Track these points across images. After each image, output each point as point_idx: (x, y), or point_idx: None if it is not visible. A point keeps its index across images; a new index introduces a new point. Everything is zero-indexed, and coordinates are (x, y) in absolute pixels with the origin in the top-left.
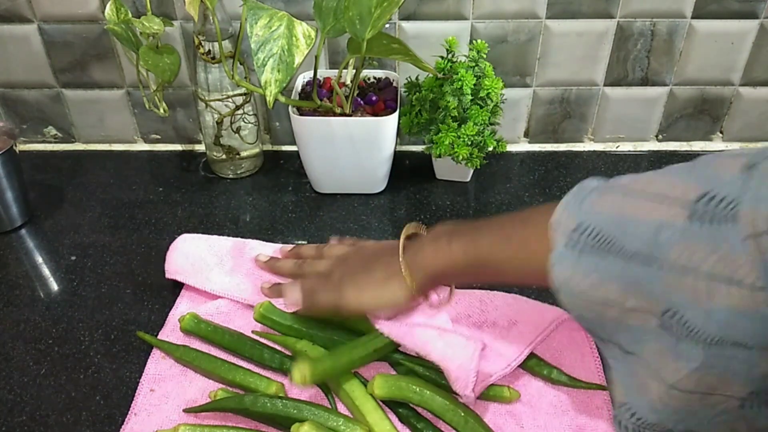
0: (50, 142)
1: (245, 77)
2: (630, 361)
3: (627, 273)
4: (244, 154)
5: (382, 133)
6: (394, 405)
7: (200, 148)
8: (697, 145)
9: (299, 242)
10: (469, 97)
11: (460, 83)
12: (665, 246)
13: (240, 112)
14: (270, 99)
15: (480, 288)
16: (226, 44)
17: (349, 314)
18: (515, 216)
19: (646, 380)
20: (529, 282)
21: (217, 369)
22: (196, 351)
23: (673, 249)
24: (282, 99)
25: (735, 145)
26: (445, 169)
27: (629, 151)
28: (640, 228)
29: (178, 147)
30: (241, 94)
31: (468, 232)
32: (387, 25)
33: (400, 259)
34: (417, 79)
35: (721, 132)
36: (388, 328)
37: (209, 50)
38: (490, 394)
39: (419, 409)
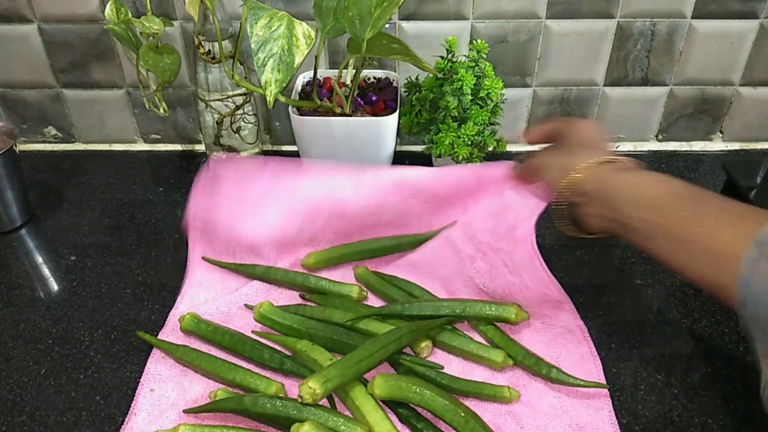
0: (50, 142)
1: (245, 77)
2: None
3: None
4: (244, 153)
5: (382, 133)
6: (394, 405)
7: (200, 148)
8: (697, 145)
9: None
10: (469, 97)
11: (460, 83)
12: None
13: (240, 112)
14: (270, 99)
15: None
16: (226, 44)
17: (531, 168)
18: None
19: None
20: (707, 249)
21: (217, 369)
22: (196, 351)
23: None
24: (282, 99)
25: (735, 145)
26: None
27: (629, 150)
28: None
29: (178, 147)
30: (241, 94)
31: (676, 181)
32: (387, 25)
33: (588, 159)
34: (417, 79)
35: (721, 132)
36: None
37: (209, 50)
38: (489, 393)
39: (419, 409)
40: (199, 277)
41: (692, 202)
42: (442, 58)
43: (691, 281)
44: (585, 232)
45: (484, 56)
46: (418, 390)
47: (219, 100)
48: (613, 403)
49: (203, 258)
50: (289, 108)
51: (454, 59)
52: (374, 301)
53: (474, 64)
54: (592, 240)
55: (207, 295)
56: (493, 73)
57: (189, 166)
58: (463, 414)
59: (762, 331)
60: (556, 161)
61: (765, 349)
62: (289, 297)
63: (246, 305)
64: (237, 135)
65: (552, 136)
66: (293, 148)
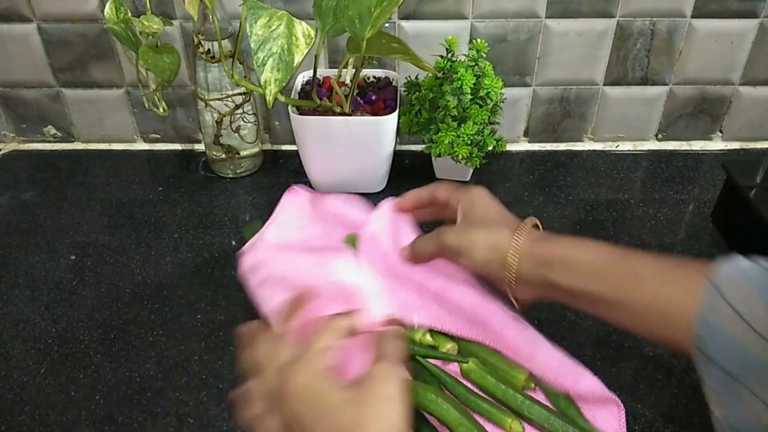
0: (50, 142)
1: (245, 76)
2: (733, 387)
3: None
4: (243, 153)
5: (382, 132)
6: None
7: (200, 147)
8: (696, 145)
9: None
10: (469, 97)
11: (459, 82)
12: None
13: (239, 111)
14: (270, 98)
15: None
16: (226, 43)
17: (445, 249)
18: (672, 256)
19: (756, 408)
20: (664, 299)
21: None
22: None
23: None
24: (282, 98)
25: (734, 145)
26: (444, 168)
27: (629, 150)
28: None
29: (177, 146)
30: (240, 94)
31: (610, 244)
32: (387, 25)
33: (522, 223)
34: (417, 78)
35: (721, 131)
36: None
37: (209, 49)
38: (495, 420)
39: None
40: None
41: (628, 266)
42: (441, 57)
43: (641, 337)
44: (519, 302)
45: (484, 55)
46: (432, 399)
47: (218, 99)
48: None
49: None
50: (289, 107)
51: (454, 58)
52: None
53: (474, 63)
54: (525, 308)
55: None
56: (492, 72)
57: (188, 165)
58: (476, 430)
59: (718, 375)
60: (476, 241)
61: (718, 392)
62: None
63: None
64: (236, 134)
65: (432, 203)
66: (293, 147)
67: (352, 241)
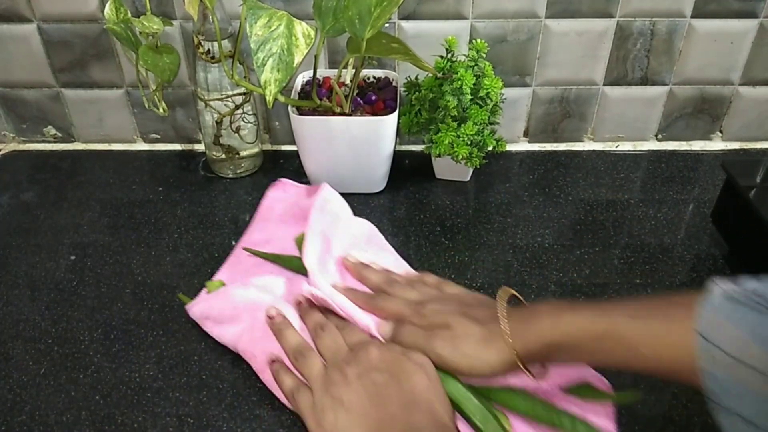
0: (50, 142)
1: (245, 77)
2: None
3: None
4: (243, 153)
5: (382, 132)
6: None
7: (200, 147)
8: (696, 145)
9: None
10: (469, 97)
11: (459, 83)
12: None
13: (239, 111)
14: (270, 99)
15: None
16: (226, 44)
17: (435, 363)
18: (654, 296)
19: None
20: (664, 359)
21: None
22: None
23: None
24: (281, 98)
25: (734, 145)
26: (444, 168)
27: (629, 150)
28: None
29: (177, 146)
30: (240, 94)
31: (595, 305)
32: (386, 25)
33: (502, 322)
34: (416, 78)
35: (721, 131)
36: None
37: (209, 50)
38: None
39: None
40: (241, 257)
41: (616, 334)
42: (441, 57)
43: None
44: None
45: (484, 56)
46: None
47: (218, 99)
48: (612, 403)
49: (244, 248)
50: (289, 107)
51: (454, 59)
52: None
53: (473, 63)
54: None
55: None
56: (492, 72)
57: (188, 165)
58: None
59: (740, 426)
60: (469, 355)
61: (717, 410)
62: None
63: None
64: (236, 135)
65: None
66: (293, 147)
67: (300, 241)
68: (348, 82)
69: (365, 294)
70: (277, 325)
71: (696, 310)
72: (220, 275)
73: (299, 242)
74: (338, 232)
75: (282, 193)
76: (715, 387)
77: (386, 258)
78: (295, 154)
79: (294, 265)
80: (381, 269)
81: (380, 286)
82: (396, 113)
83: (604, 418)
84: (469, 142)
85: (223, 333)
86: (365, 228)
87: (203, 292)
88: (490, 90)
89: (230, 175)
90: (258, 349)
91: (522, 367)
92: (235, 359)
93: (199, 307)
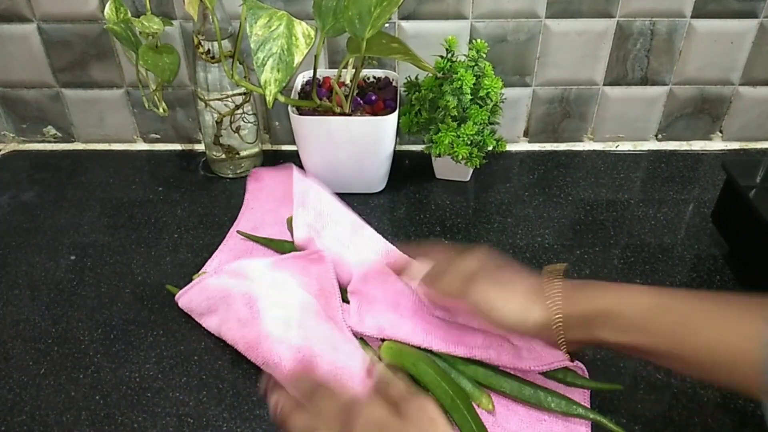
0: (50, 142)
1: (245, 77)
2: None
3: None
4: (243, 153)
5: (382, 132)
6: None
7: (200, 147)
8: (696, 145)
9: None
10: (469, 97)
11: (459, 83)
12: None
13: (239, 111)
14: (270, 99)
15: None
16: (226, 44)
17: (469, 309)
18: (717, 293)
19: None
20: (719, 353)
21: None
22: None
23: None
24: (281, 98)
25: (734, 145)
26: (444, 168)
27: (629, 150)
28: None
29: (177, 146)
30: (240, 94)
31: (625, 284)
32: (386, 25)
33: (548, 287)
34: (416, 78)
35: (721, 131)
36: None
37: (209, 50)
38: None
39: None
40: (231, 245)
41: (676, 313)
42: (441, 57)
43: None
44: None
45: (484, 56)
46: (414, 362)
47: (218, 99)
48: (613, 402)
49: (237, 231)
50: (289, 107)
51: (454, 59)
52: None
53: (473, 63)
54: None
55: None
56: (492, 72)
57: (188, 165)
58: (451, 393)
59: None
60: (509, 303)
61: None
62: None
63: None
64: (236, 134)
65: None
66: (293, 147)
67: (291, 223)
68: (348, 82)
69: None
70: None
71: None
72: (211, 265)
73: (290, 224)
74: (325, 229)
75: (258, 183)
76: None
77: (377, 244)
78: (295, 154)
79: (286, 249)
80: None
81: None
82: (396, 113)
83: (583, 403)
84: (469, 142)
85: (206, 323)
86: (348, 218)
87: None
88: (490, 90)
89: (230, 175)
90: (238, 335)
91: (557, 335)
92: (235, 359)
93: (183, 300)
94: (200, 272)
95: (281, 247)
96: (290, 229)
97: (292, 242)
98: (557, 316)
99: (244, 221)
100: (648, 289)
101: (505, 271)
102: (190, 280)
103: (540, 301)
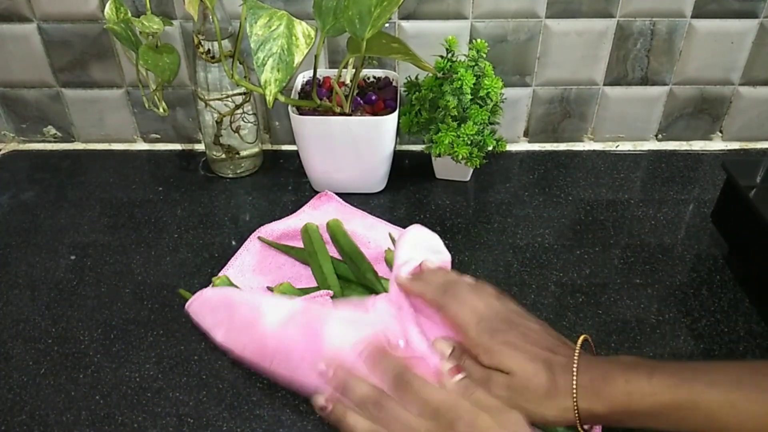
0: (50, 142)
1: (245, 76)
2: None
3: None
4: (243, 153)
5: (382, 132)
6: None
7: (200, 147)
8: (696, 145)
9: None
10: (469, 97)
11: (459, 83)
12: None
13: (239, 111)
14: (270, 98)
15: None
16: (226, 43)
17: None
18: (740, 362)
19: None
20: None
21: None
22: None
23: None
24: (282, 98)
25: (735, 145)
26: (444, 168)
27: (629, 150)
28: None
29: (177, 146)
30: (240, 94)
31: (673, 366)
32: (387, 25)
33: (574, 376)
34: (417, 78)
35: (721, 131)
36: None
37: (209, 49)
38: None
39: None
40: (251, 248)
41: (703, 403)
42: (441, 57)
43: None
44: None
45: (484, 55)
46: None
47: (218, 99)
48: None
49: (258, 237)
50: (289, 107)
51: (454, 59)
52: None
53: (474, 63)
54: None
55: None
56: (492, 72)
57: (188, 165)
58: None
59: None
60: (527, 389)
61: None
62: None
63: (268, 287)
64: (236, 134)
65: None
66: (293, 147)
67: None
68: (348, 81)
69: (435, 285)
70: (336, 414)
71: None
72: (225, 272)
73: (391, 260)
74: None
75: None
76: None
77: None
78: (295, 154)
79: (304, 257)
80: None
81: (445, 286)
82: (396, 113)
83: None
84: (469, 142)
85: (214, 335)
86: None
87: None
88: (490, 90)
89: (230, 175)
90: (246, 340)
91: (579, 428)
92: (235, 359)
93: (191, 311)
94: (219, 276)
95: (301, 255)
96: (388, 263)
97: (310, 251)
98: (574, 414)
99: (277, 223)
100: (668, 378)
101: (526, 366)
102: (192, 282)
103: (557, 400)
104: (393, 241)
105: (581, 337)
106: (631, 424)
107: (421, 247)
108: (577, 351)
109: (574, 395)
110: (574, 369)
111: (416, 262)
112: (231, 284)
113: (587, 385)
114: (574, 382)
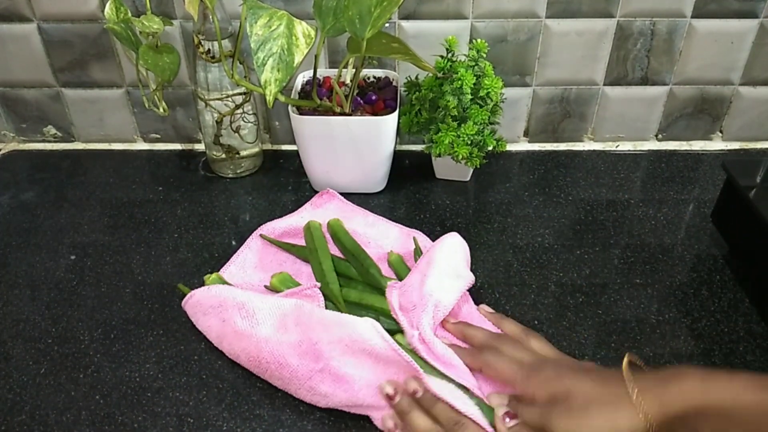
0: (50, 142)
1: (245, 76)
2: None
3: None
4: (243, 153)
5: (382, 132)
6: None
7: (200, 147)
8: (696, 145)
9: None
10: (469, 97)
11: (459, 82)
12: None
13: (240, 111)
14: (270, 98)
15: None
16: (226, 43)
17: None
18: None
19: None
20: None
21: None
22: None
23: None
24: (282, 98)
25: (735, 145)
26: (444, 168)
27: (629, 150)
28: None
29: (177, 146)
30: (240, 94)
31: (726, 373)
32: (387, 25)
33: (629, 384)
34: (417, 78)
35: (721, 131)
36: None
37: (209, 49)
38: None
39: None
40: (252, 246)
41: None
42: (441, 57)
43: None
44: None
45: (484, 55)
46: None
47: (218, 99)
48: None
49: (261, 235)
50: (289, 107)
51: (454, 58)
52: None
53: (474, 63)
54: None
55: (253, 263)
56: (492, 72)
57: (188, 165)
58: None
59: None
60: (588, 406)
61: None
62: None
63: (266, 286)
64: (236, 134)
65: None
66: (293, 147)
67: (395, 261)
68: (348, 81)
69: (471, 349)
70: (401, 407)
71: None
72: (228, 268)
73: (395, 262)
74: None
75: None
76: None
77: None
78: (295, 154)
79: (305, 254)
80: (482, 328)
81: (487, 342)
82: (396, 113)
83: None
84: (469, 142)
85: (208, 334)
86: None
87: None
88: (490, 90)
89: (230, 175)
90: (238, 349)
91: None
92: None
93: (186, 309)
94: (211, 275)
95: (302, 252)
96: (394, 267)
97: (311, 248)
98: (646, 421)
99: (279, 221)
100: (746, 380)
101: (577, 386)
102: (192, 282)
103: (622, 410)
104: (418, 248)
105: (627, 355)
106: (688, 427)
107: (446, 274)
108: (625, 364)
109: (640, 400)
110: (626, 377)
111: (446, 304)
112: (223, 282)
113: (651, 388)
114: (633, 387)
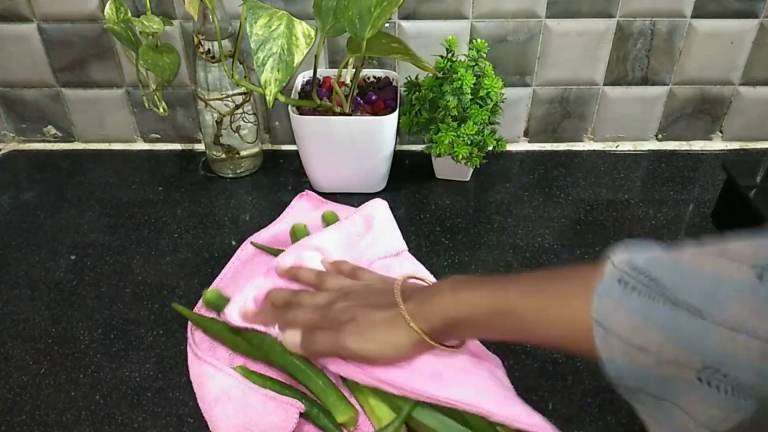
0: (50, 142)
1: (245, 76)
2: (663, 406)
3: (672, 322)
4: (243, 153)
5: (382, 132)
6: None
7: (200, 147)
8: (696, 145)
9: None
10: (469, 97)
11: (459, 82)
12: (723, 301)
13: (240, 111)
14: (270, 98)
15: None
16: (226, 43)
17: (350, 359)
18: (551, 271)
19: (686, 423)
20: (559, 338)
21: (238, 344)
22: (223, 324)
23: (732, 305)
24: (282, 98)
25: (735, 145)
26: (444, 168)
27: (629, 150)
28: (699, 279)
29: (177, 146)
30: (240, 94)
31: (493, 281)
32: (387, 25)
33: (400, 304)
34: (417, 78)
35: (721, 131)
36: (390, 376)
37: (209, 49)
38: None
39: None
40: (242, 256)
41: (515, 313)
42: (441, 57)
43: None
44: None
45: (484, 55)
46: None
47: (218, 99)
48: (613, 401)
49: (251, 242)
50: (289, 107)
51: (454, 58)
52: None
53: (474, 63)
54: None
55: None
56: (492, 72)
57: (189, 165)
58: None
59: (647, 399)
60: (380, 345)
61: (652, 415)
62: None
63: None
64: (236, 134)
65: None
66: (293, 147)
67: (299, 231)
68: (348, 81)
69: (275, 310)
70: (289, 272)
71: (591, 293)
72: (222, 281)
73: (328, 218)
74: (362, 244)
75: (302, 202)
76: (617, 373)
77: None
78: (295, 154)
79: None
80: (287, 272)
81: (286, 299)
82: (396, 113)
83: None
84: (469, 142)
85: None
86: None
87: (199, 304)
88: (490, 90)
89: (230, 175)
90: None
91: (433, 342)
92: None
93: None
94: (209, 290)
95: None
96: (327, 221)
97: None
98: (420, 334)
99: (265, 230)
100: (488, 289)
101: (362, 311)
102: (192, 282)
103: (399, 328)
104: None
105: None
106: (469, 334)
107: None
108: (395, 287)
109: (409, 320)
110: (398, 300)
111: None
112: (221, 297)
113: (417, 307)
114: (403, 308)
